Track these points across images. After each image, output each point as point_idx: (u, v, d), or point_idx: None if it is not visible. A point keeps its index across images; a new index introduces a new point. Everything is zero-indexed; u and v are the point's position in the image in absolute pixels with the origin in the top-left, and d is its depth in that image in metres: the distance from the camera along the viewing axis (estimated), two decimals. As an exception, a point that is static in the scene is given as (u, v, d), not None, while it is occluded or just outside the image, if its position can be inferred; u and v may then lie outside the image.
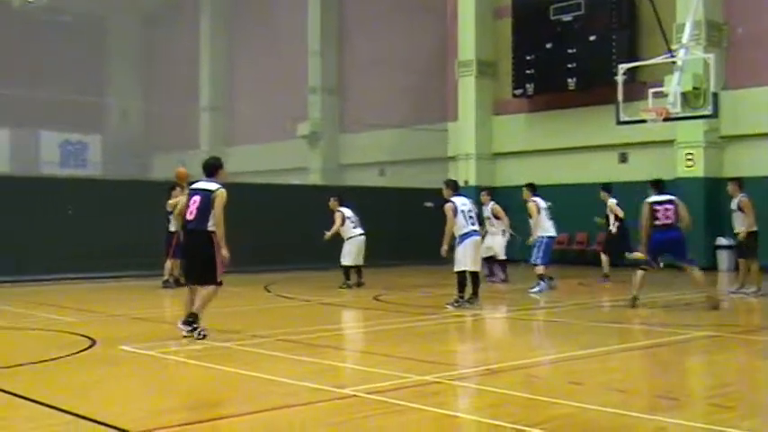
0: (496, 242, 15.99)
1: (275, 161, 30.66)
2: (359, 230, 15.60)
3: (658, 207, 11.90)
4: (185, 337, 8.68)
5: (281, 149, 30.90)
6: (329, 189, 25.37)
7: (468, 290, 11.96)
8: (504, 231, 16.08)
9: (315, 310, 12.44)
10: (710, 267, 19.43)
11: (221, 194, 8.79)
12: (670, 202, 12.00)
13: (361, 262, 15.62)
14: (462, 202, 11.96)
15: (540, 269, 14.47)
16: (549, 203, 15.21)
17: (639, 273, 11.93)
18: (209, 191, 8.80)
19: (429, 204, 21.05)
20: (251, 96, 32.98)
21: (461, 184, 22.12)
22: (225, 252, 8.74)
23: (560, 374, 7.11)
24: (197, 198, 8.79)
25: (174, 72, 36.02)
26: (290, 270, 19.21)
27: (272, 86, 31.31)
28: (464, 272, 11.86)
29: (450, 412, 5.73)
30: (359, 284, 15.44)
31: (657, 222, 11.81)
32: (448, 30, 25.60)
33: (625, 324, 10.42)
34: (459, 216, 11.75)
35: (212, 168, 9.07)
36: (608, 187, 17.32)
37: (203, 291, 8.78)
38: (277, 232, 20.16)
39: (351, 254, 15.46)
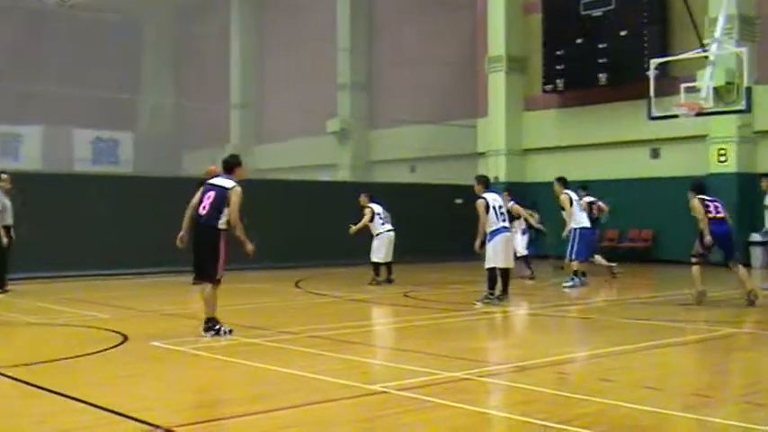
0: (516, 240, 15.93)
1: (305, 158, 30.80)
2: (388, 226, 15.58)
3: (709, 203, 11.76)
4: (209, 338, 8.70)
5: (310, 146, 31.02)
6: (359, 185, 25.47)
7: (498, 287, 11.91)
8: (523, 230, 16.12)
9: (345, 307, 12.48)
10: (744, 263, 19.17)
11: (237, 192, 8.76)
12: (717, 200, 11.92)
13: (390, 258, 15.59)
14: (494, 198, 11.92)
15: (575, 264, 14.40)
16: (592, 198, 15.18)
17: (696, 267, 11.77)
18: (225, 188, 8.79)
19: (459, 201, 21.00)
20: (281, 93, 33.16)
21: (492, 180, 22.11)
22: (250, 247, 8.75)
23: (591, 371, 7.07)
24: (212, 194, 8.78)
25: (205, 69, 36.35)
26: (320, 266, 19.28)
27: (301, 83, 31.45)
28: (494, 268, 11.82)
29: (481, 409, 5.72)
30: (389, 281, 15.44)
31: (710, 215, 11.65)
32: (477, 25, 25.51)
33: (656, 321, 10.32)
34: (491, 212, 11.70)
35: (231, 166, 9.06)
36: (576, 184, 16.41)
37: (204, 291, 8.83)
38: (307, 228, 20.25)
39: (380, 250, 15.45)
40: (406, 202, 20.60)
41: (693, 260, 11.81)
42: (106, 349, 8.10)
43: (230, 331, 8.84)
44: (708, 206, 11.83)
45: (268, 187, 22.26)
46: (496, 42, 24.19)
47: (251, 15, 35.44)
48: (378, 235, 15.51)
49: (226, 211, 8.68)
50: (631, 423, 5.27)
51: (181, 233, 8.90)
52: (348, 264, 19.48)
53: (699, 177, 12.88)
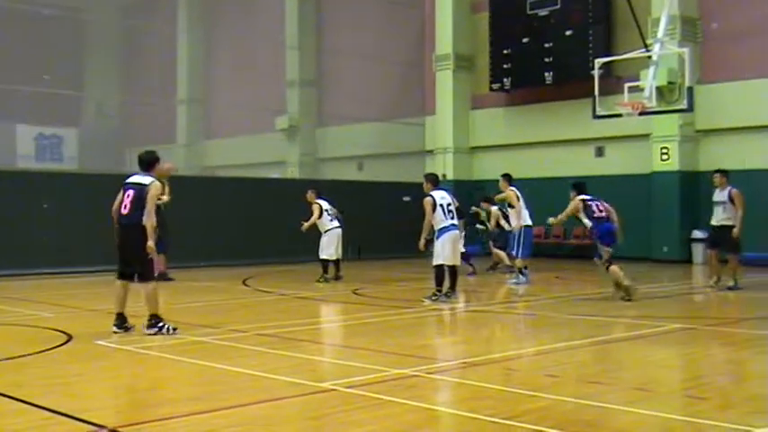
0: None
1: (253, 155, 30.57)
2: (336, 223, 15.54)
3: (590, 203, 12.38)
4: (152, 335, 8.64)
5: (259, 143, 30.80)
6: (307, 182, 25.38)
7: (446, 284, 11.98)
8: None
9: (293, 304, 12.44)
10: (685, 260, 19.66)
11: (156, 187, 8.75)
12: (598, 199, 12.56)
13: (339, 255, 15.54)
14: (441, 196, 11.92)
15: (519, 262, 14.55)
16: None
17: (612, 268, 12.01)
18: (143, 184, 8.73)
19: (407, 198, 21.09)
20: (229, 89, 32.84)
21: (440, 177, 22.25)
22: (151, 244, 8.60)
23: (537, 367, 7.17)
24: (131, 192, 8.75)
25: (151, 65, 35.77)
26: (268, 264, 19.17)
27: (250, 79, 31.18)
28: (442, 266, 11.85)
29: (429, 405, 5.76)
30: (337, 278, 15.41)
31: (595, 215, 12.21)
32: (425, 24, 25.63)
33: (602, 317, 10.51)
34: (438, 210, 11.74)
35: (148, 163, 8.99)
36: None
37: (144, 291, 8.73)
38: (255, 226, 20.13)
39: (329, 247, 15.38)
40: (354, 200, 20.61)
41: (607, 264, 12.11)
42: (50, 349, 7.95)
43: (174, 329, 8.77)
44: (590, 206, 12.38)
45: (216, 184, 22.08)
46: (444, 41, 24.33)
47: (198, 10, 35.01)
48: (326, 232, 15.41)
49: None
50: (577, 418, 5.36)
51: (117, 240, 8.85)
52: (297, 261, 19.41)
53: (579, 179, 13.48)
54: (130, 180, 8.89)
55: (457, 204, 12.71)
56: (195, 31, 34.82)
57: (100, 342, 8.30)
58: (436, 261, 11.84)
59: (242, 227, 19.90)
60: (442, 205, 11.80)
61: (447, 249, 11.77)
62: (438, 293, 11.89)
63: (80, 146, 36.61)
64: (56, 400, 5.82)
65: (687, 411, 5.52)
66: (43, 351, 7.84)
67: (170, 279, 15.15)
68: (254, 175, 26.54)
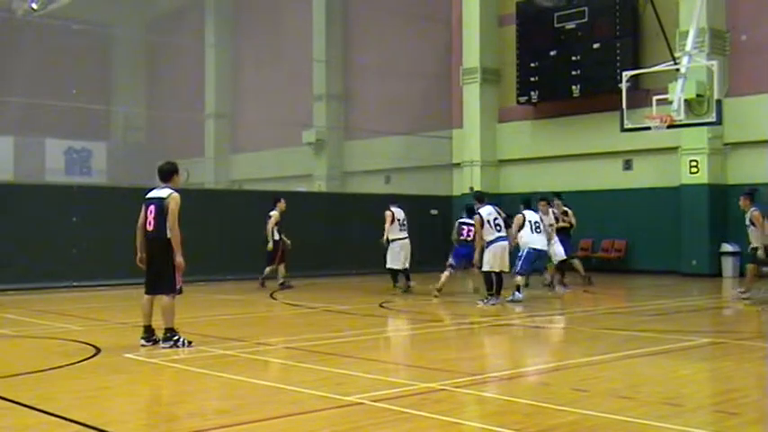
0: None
1: (280, 168, 30.74)
2: (405, 233, 15.55)
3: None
4: (167, 348, 8.68)
5: (286, 156, 30.97)
6: (334, 196, 25.46)
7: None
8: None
9: (320, 318, 12.46)
10: (715, 274, 19.43)
11: (175, 199, 8.73)
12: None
13: (406, 266, 15.56)
14: (488, 212, 13.39)
15: (519, 279, 14.17)
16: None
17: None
18: (162, 198, 8.77)
19: (434, 212, 21.07)
20: (256, 103, 33.08)
21: (467, 191, 22.21)
22: (180, 259, 8.67)
23: (565, 381, 7.11)
24: (152, 207, 8.79)
25: (179, 79, 36.13)
26: (295, 277, 19.19)
27: (277, 93, 31.40)
28: (490, 272, 13.24)
29: (456, 420, 5.73)
30: (406, 289, 15.35)
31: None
32: (452, 37, 25.65)
33: (629, 331, 10.41)
34: (486, 225, 13.23)
35: (167, 174, 9.01)
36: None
37: (161, 303, 8.78)
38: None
39: (397, 257, 15.34)
40: (381, 213, 20.62)
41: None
42: (79, 362, 8.02)
43: (189, 343, 8.80)
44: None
45: (243, 197, 22.22)
46: (471, 54, 24.34)
47: (226, 25, 35.36)
48: (393, 241, 15.62)
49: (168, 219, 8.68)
50: (605, 433, 5.31)
51: (139, 255, 8.91)
52: (324, 275, 19.46)
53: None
54: (150, 195, 8.93)
55: (504, 215, 13.72)
56: (223, 46, 35.15)
57: (128, 355, 8.36)
58: (485, 268, 13.31)
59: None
60: (489, 221, 13.26)
61: (495, 258, 13.20)
62: (490, 296, 13.18)
63: (109, 159, 37.01)
64: (85, 413, 5.87)
65: (718, 427, 5.45)
66: (72, 364, 7.91)
67: (290, 287, 16.34)
68: (281, 188, 26.68)
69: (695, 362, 8.33)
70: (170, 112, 34.47)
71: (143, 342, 8.89)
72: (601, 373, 7.52)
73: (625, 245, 21.54)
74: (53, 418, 5.70)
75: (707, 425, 5.55)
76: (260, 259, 19.52)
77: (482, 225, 13.26)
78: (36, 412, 5.88)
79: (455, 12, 25.44)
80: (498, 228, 13.30)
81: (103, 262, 17.43)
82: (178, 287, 8.78)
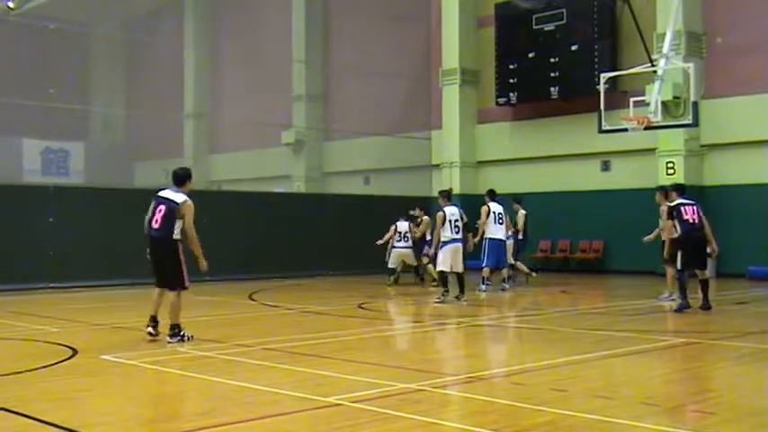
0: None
1: (259, 169, 30.65)
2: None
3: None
4: (174, 343, 9.07)
5: (265, 157, 30.88)
6: (313, 197, 25.43)
7: (456, 289, 13.51)
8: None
9: (299, 319, 12.43)
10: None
11: (189, 207, 9.11)
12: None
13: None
14: (452, 212, 13.51)
15: (485, 271, 15.53)
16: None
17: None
18: (176, 202, 9.09)
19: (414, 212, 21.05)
20: (235, 104, 32.96)
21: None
22: (204, 263, 9.15)
23: (543, 382, 7.15)
24: (163, 207, 9.11)
25: (158, 79, 35.92)
26: (274, 278, 19.18)
27: (256, 94, 31.30)
28: (444, 271, 13.52)
29: (435, 420, 5.75)
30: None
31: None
32: (432, 38, 25.71)
33: (607, 331, 10.49)
34: (447, 225, 13.38)
35: (182, 179, 9.34)
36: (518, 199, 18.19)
37: (169, 299, 9.16)
38: (260, 240, 20.14)
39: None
40: (360, 214, 20.66)
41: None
42: (55, 363, 7.95)
43: (192, 337, 9.22)
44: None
45: (221, 198, 22.13)
46: (450, 55, 24.40)
47: (205, 24, 35.18)
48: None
49: (178, 223, 9.03)
50: (583, 432, 5.34)
51: (149, 251, 9.25)
52: (303, 275, 19.44)
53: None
54: (162, 194, 9.23)
55: (465, 221, 13.85)
56: (201, 46, 34.98)
57: (105, 357, 8.31)
58: (439, 267, 13.73)
59: (248, 241, 19.91)
60: (450, 220, 13.41)
61: (446, 259, 13.38)
62: (445, 294, 13.50)
63: (87, 160, 36.76)
64: (61, 415, 5.82)
65: (695, 426, 5.50)
66: (49, 366, 7.85)
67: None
68: (260, 189, 26.62)
69: (671, 362, 8.41)
70: (148, 112, 34.25)
71: (150, 330, 9.23)
72: (578, 373, 7.56)
73: (603, 245, 21.68)
74: (29, 421, 5.65)
75: (684, 424, 5.61)
76: (240, 260, 19.43)
77: (443, 223, 13.40)
78: (12, 415, 5.82)
79: (434, 13, 25.49)
80: (457, 229, 13.42)
81: (81, 263, 17.30)
82: (186, 284, 9.15)
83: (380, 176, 27.03)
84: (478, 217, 15.62)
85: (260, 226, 20.31)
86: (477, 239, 15.41)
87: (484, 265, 15.53)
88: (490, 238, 15.36)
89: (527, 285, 17.21)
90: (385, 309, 13.95)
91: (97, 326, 11.21)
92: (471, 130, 24.59)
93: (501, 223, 15.57)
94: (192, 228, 9.06)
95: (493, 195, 16.04)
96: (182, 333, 9.17)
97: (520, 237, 17.48)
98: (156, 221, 9.07)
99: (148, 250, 9.24)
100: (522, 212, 17.65)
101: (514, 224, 17.41)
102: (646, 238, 14.02)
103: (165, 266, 9.13)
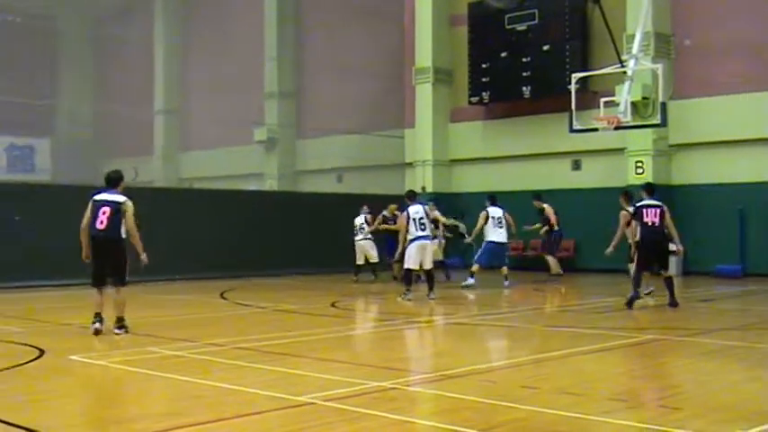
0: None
1: (231, 166, 30.46)
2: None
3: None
4: (122, 334, 9.60)
5: (237, 155, 30.71)
6: (285, 195, 25.34)
7: (413, 286, 13.86)
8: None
9: (271, 318, 12.39)
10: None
11: (130, 207, 9.72)
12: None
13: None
14: (415, 211, 13.65)
15: (475, 267, 16.26)
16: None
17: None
18: (118, 202, 9.70)
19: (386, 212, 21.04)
20: (206, 100, 32.68)
21: (419, 190, 22.34)
22: (144, 258, 9.77)
23: (515, 379, 7.19)
24: (107, 209, 9.66)
25: (127, 74, 35.52)
26: (246, 277, 19.06)
27: (228, 91, 31.08)
28: (410, 269, 13.70)
29: (407, 418, 5.75)
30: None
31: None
32: (405, 37, 25.72)
33: (577, 328, 10.57)
34: (411, 223, 13.54)
35: (116, 181, 10.00)
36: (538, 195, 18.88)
37: (117, 297, 9.76)
38: (232, 238, 19.99)
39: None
40: (333, 212, 20.59)
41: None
42: (21, 364, 7.84)
43: (126, 330, 9.77)
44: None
45: (193, 196, 21.98)
46: (423, 54, 24.43)
47: (175, 20, 34.85)
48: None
49: (123, 222, 9.66)
50: (554, 429, 5.38)
51: (85, 252, 9.76)
52: (275, 274, 19.35)
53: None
54: (101, 197, 9.78)
55: (432, 216, 14.49)
56: (172, 41, 34.67)
57: (73, 357, 8.21)
58: (405, 265, 13.78)
59: (220, 240, 19.76)
60: (414, 219, 13.53)
61: (411, 256, 13.54)
62: (407, 292, 13.54)
63: (53, 157, 36.21)
64: (27, 416, 5.75)
65: (662, 421, 5.56)
66: (15, 367, 7.73)
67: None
68: (231, 187, 26.46)
69: (640, 358, 8.49)
70: (117, 108, 33.86)
71: (96, 323, 9.63)
72: (550, 371, 7.61)
73: (574, 244, 21.83)
74: (-5, 422, 5.57)
75: (652, 419, 5.66)
76: (211, 259, 19.25)
77: (407, 222, 13.70)
78: (-23, 415, 5.73)
79: (407, 11, 25.50)
80: (423, 227, 13.63)
81: (47, 262, 17.00)
82: (127, 280, 9.82)
83: (353, 174, 27.00)
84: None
85: (232, 224, 20.16)
86: (471, 239, 17.01)
87: (475, 260, 16.43)
88: (488, 241, 16.43)
89: (559, 284, 17.48)
90: (357, 307, 13.94)
91: (65, 326, 11.08)
92: (444, 128, 24.65)
93: (501, 227, 16.45)
94: (134, 226, 9.64)
95: (494, 200, 16.84)
96: (126, 324, 9.74)
97: (556, 228, 18.14)
98: (102, 222, 9.60)
99: (93, 252, 9.69)
100: (547, 207, 18.22)
101: (546, 220, 18.10)
102: (608, 251, 13.87)
103: (114, 264, 9.68)
